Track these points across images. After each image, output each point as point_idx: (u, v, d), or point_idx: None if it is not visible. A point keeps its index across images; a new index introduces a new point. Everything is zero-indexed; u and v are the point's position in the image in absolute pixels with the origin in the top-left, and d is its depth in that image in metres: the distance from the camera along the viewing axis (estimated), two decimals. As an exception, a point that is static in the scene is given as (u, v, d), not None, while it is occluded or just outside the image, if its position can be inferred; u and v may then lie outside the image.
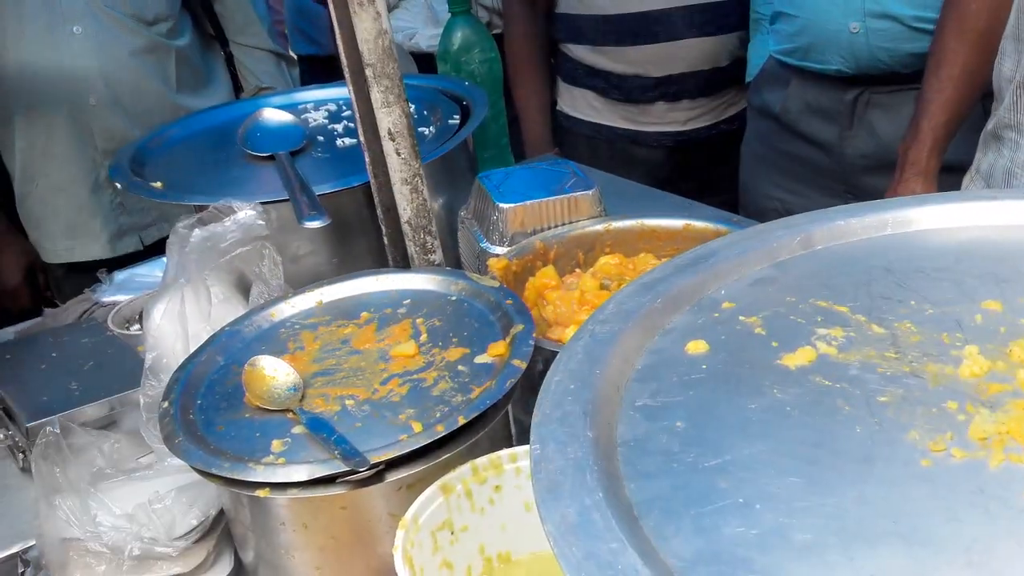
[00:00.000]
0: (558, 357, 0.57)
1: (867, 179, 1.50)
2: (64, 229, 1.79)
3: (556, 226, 1.07)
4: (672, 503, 0.45)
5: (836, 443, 0.47)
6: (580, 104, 2.02)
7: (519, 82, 1.99)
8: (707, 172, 1.92)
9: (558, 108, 2.07)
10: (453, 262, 1.16)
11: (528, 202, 1.05)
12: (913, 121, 1.28)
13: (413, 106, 1.32)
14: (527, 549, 0.77)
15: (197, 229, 0.98)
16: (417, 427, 0.75)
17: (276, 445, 0.77)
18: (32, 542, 0.94)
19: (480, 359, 0.83)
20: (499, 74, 1.50)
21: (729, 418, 0.50)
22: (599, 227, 1.07)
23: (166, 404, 0.84)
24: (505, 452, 0.75)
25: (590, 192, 1.07)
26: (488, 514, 0.75)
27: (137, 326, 1.23)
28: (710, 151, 1.92)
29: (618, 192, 1.61)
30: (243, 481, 0.73)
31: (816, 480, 0.45)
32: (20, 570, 0.94)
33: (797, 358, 0.54)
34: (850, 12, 1.38)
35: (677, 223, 1.07)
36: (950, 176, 1.20)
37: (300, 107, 1.43)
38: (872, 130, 1.49)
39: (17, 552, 0.96)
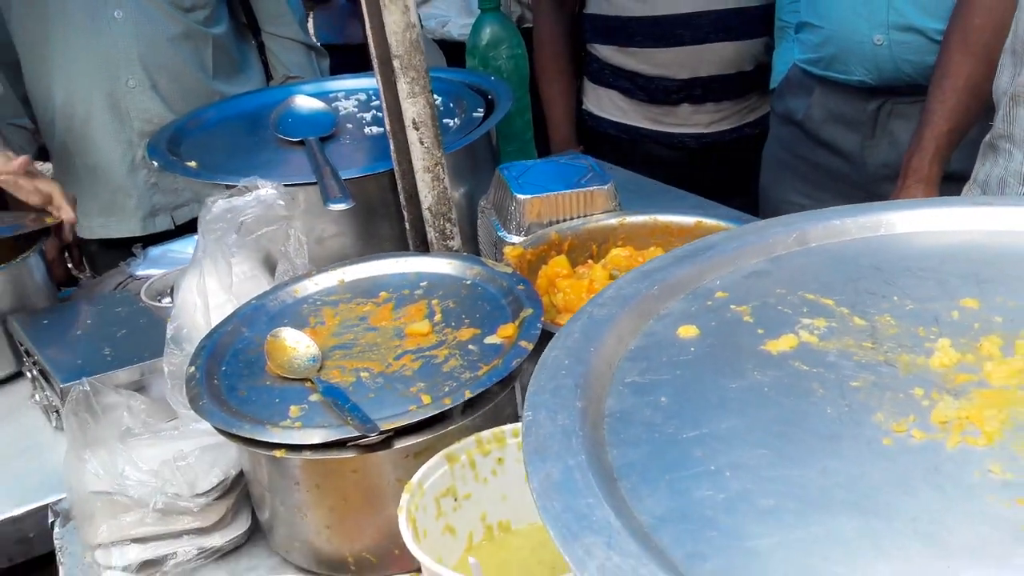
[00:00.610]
0: (557, 335, 0.61)
1: (887, 187, 1.52)
2: (100, 206, 1.85)
3: (572, 218, 1.11)
4: (649, 468, 0.49)
5: (806, 421, 0.50)
6: (605, 104, 2.05)
7: (546, 80, 2.03)
8: (728, 175, 1.94)
9: (583, 107, 2.10)
10: (471, 249, 1.21)
11: (545, 194, 1.09)
12: (917, 130, 1.30)
13: (439, 98, 1.37)
14: (526, 520, 0.81)
15: (220, 200, 1.03)
16: (426, 399, 0.79)
17: (294, 411, 0.81)
18: (62, 495, 1.00)
19: (490, 340, 0.87)
20: (526, 70, 1.54)
21: (710, 395, 0.54)
22: (613, 221, 1.11)
23: (192, 369, 0.89)
24: (509, 427, 0.79)
25: (606, 187, 1.11)
26: (490, 484, 0.80)
27: (168, 299, 1.29)
28: (732, 154, 1.94)
29: (638, 190, 1.64)
30: (262, 442, 0.78)
31: (784, 453, 0.48)
32: (50, 520, 1.00)
33: (780, 344, 0.58)
34: (874, 24, 1.41)
35: (689, 220, 1.10)
36: (955, 185, 1.22)
37: (331, 95, 1.48)
38: (894, 140, 1.51)
39: (48, 504, 1.02)
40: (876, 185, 1.55)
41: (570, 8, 1.99)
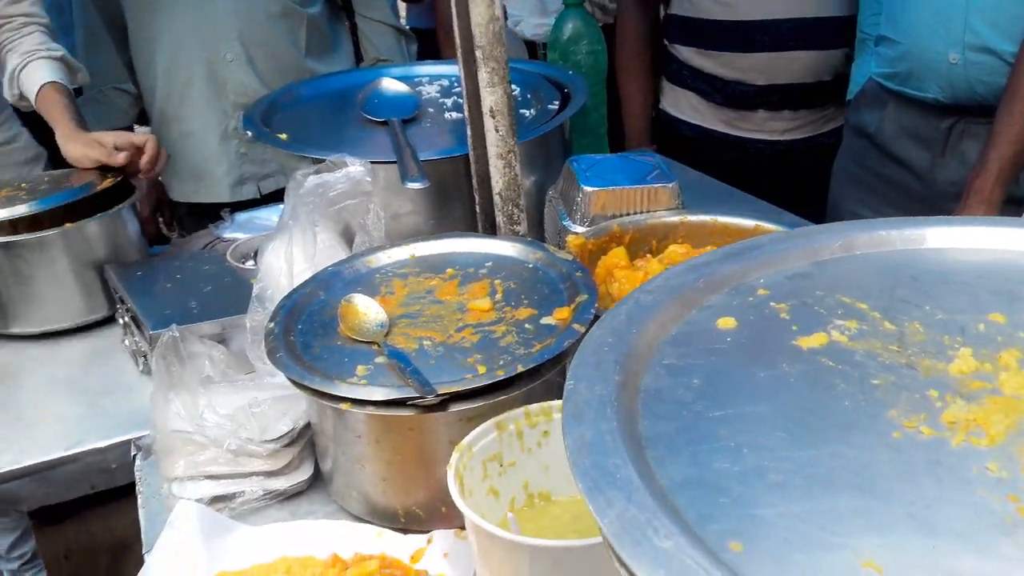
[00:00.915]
0: (604, 316, 0.66)
1: (954, 206, 1.53)
2: (192, 172, 1.95)
3: (635, 213, 1.16)
4: (675, 440, 0.54)
5: (825, 412, 0.55)
6: (682, 104, 2.08)
7: (625, 78, 2.06)
8: (798, 183, 1.96)
9: (660, 106, 2.13)
10: (536, 235, 1.26)
11: (611, 188, 1.14)
12: (983, 150, 1.31)
13: (517, 88, 1.43)
14: (566, 492, 0.87)
15: (312, 176, 1.11)
16: (482, 369, 0.85)
17: (360, 370, 0.88)
18: (144, 432, 1.10)
19: (545, 320, 0.93)
20: (604, 66, 1.58)
21: (740, 381, 0.58)
22: (675, 219, 1.15)
23: (272, 325, 0.97)
24: (556, 403, 0.85)
25: (670, 185, 1.15)
26: (535, 455, 0.85)
27: (251, 262, 1.38)
28: (804, 163, 1.95)
29: (705, 191, 1.68)
30: (330, 395, 0.85)
31: (799, 437, 0.53)
32: (132, 453, 1.09)
33: (811, 341, 0.62)
34: (950, 43, 1.41)
35: (749, 223, 1.13)
36: (1016, 208, 1.23)
37: (416, 80, 1.55)
38: (964, 159, 1.51)
39: (131, 439, 1.11)
40: (943, 203, 1.55)
41: (654, 7, 2.02)
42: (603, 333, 0.64)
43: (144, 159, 1.47)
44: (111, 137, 1.47)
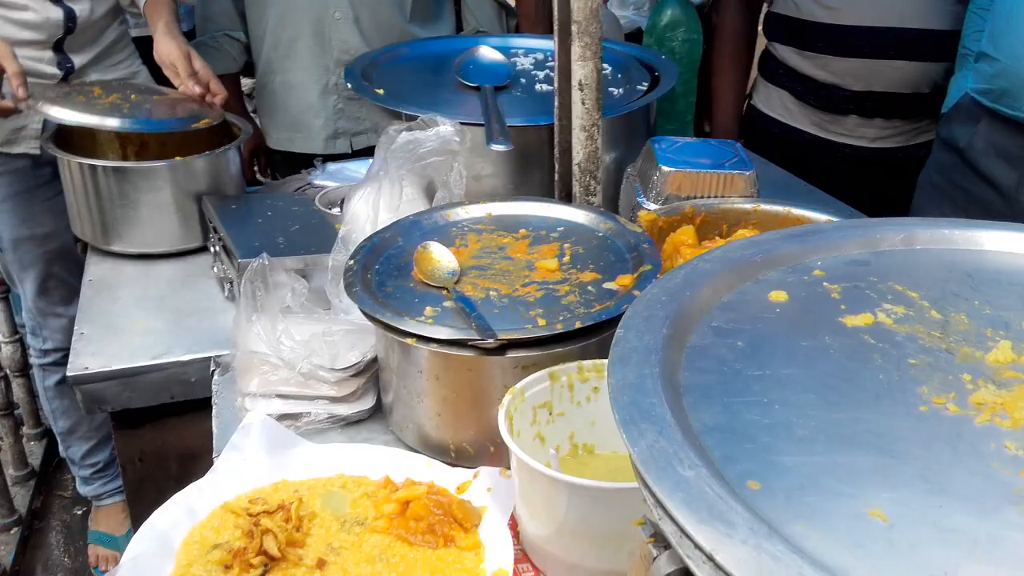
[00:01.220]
0: (661, 276, 0.70)
1: (1038, 228, 1.50)
2: (290, 122, 2.04)
3: (710, 197, 1.19)
4: (711, 391, 0.57)
5: (858, 381, 0.58)
6: (774, 103, 2.08)
7: (719, 71, 2.07)
8: (883, 192, 1.94)
9: (751, 102, 2.14)
10: (610, 210, 1.30)
11: (688, 169, 1.17)
12: None
13: (608, 67, 1.46)
14: (609, 447, 0.91)
15: (404, 132, 1.17)
16: (541, 322, 0.90)
17: (429, 311, 0.94)
18: (224, 351, 1.18)
19: (608, 285, 0.97)
20: (698, 55, 1.60)
21: (782, 347, 0.62)
22: (748, 206, 1.17)
23: (351, 263, 1.03)
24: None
25: (747, 173, 1.18)
26: (583, 408, 0.90)
27: (337, 209, 1.45)
28: (891, 172, 1.94)
29: (786, 187, 1.68)
30: (398, 329, 0.91)
31: (829, 400, 0.56)
32: (211, 369, 1.18)
33: (857, 320, 0.65)
34: (1048, 63, 1.39)
35: (821, 217, 1.15)
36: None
37: (512, 51, 1.59)
38: (1054, 182, 1.49)
39: (211, 356, 1.20)
40: (1028, 224, 1.53)
41: (758, 7, 2.02)
42: (658, 292, 0.68)
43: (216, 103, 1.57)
44: (201, 65, 1.57)
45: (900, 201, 1.86)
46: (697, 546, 0.45)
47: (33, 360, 2.07)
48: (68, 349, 1.26)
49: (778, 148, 2.05)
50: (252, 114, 2.25)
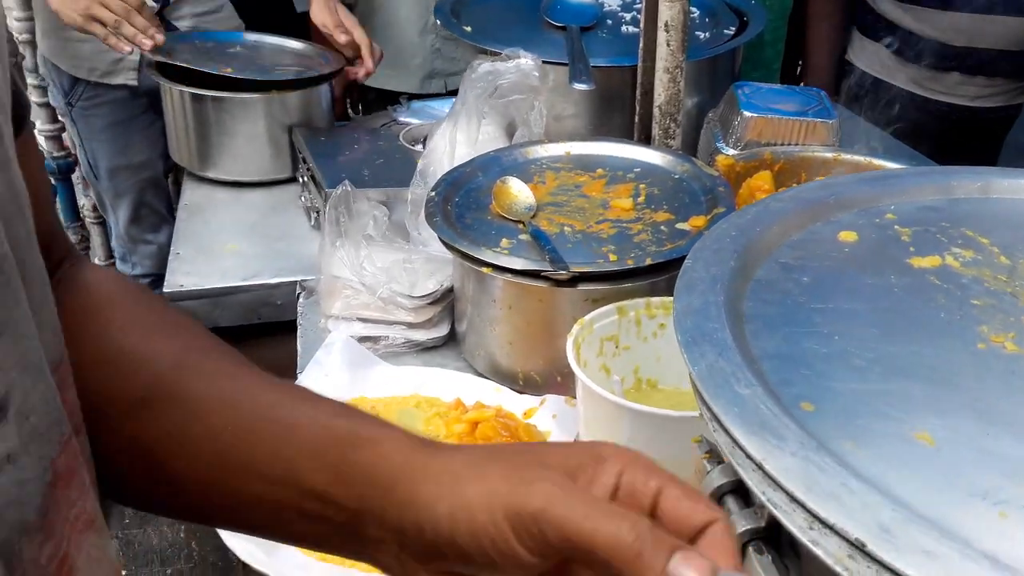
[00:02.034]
0: (733, 214, 0.71)
1: None
2: (388, 60, 2.07)
3: (790, 144, 1.18)
4: (773, 321, 0.59)
5: (919, 318, 0.59)
6: (870, 58, 2.03)
7: (815, 23, 2.02)
8: (976, 151, 1.89)
9: (846, 56, 2.08)
10: (688, 154, 1.30)
11: (769, 116, 1.17)
12: None
13: (696, 10, 1.45)
14: (672, 383, 0.94)
15: (484, 63, 1.19)
16: (613, 258, 0.93)
17: (505, 243, 0.98)
18: (310, 276, 1.24)
19: (681, 225, 0.98)
20: (789, 3, 1.57)
21: (846, 284, 0.63)
22: (828, 155, 1.17)
23: (433, 194, 1.07)
24: (677, 299, 0.91)
25: (830, 121, 1.17)
26: (649, 343, 0.92)
27: (420, 146, 1.49)
28: (983, 130, 1.88)
29: (870, 142, 1.65)
30: (475, 258, 0.95)
31: (889, 335, 0.57)
32: (297, 292, 1.24)
33: (924, 262, 0.65)
34: None
35: (901, 167, 1.14)
36: None
37: (601, -8, 1.59)
38: None
39: (297, 280, 1.26)
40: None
41: (857, -44, 1.96)
42: (728, 227, 0.69)
43: (365, 63, 1.63)
44: (351, 23, 1.63)
45: (987, 160, 1.80)
46: (748, 456, 0.47)
47: None
48: (157, 274, 1.33)
49: (873, 105, 2.01)
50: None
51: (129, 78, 1.80)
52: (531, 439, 0.89)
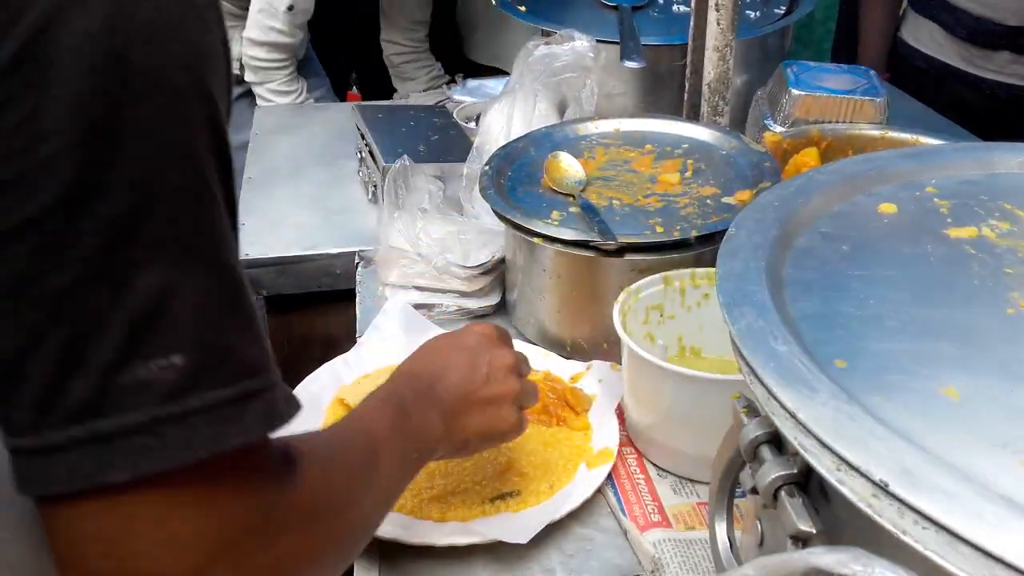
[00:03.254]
0: (776, 185, 0.74)
1: None
2: (484, 36, 2.10)
3: (838, 122, 1.20)
4: (811, 285, 0.63)
5: (952, 284, 0.62)
6: (923, 35, 2.02)
7: (868, 1, 2.02)
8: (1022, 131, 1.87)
9: (899, 34, 2.07)
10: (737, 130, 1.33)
11: (817, 94, 1.18)
12: None
13: (747, -10, 1.47)
14: (715, 351, 0.97)
15: (541, 47, 1.23)
16: (659, 229, 0.96)
17: (555, 215, 1.01)
18: (368, 247, 1.29)
19: (726, 199, 1.01)
20: (840, -18, 1.57)
21: (884, 252, 0.66)
22: (876, 133, 1.18)
23: (486, 168, 1.12)
24: (721, 270, 0.94)
25: (878, 100, 1.18)
26: (693, 313, 0.96)
27: (474, 124, 1.53)
28: (1037, 112, 1.86)
29: (925, 123, 1.65)
30: (526, 229, 0.99)
31: (922, 298, 0.60)
32: (356, 262, 1.29)
33: (961, 232, 0.68)
34: None
35: (942, 143, 1.15)
36: None
37: (652, -28, 1.61)
38: None
39: (356, 250, 1.31)
40: None
41: (909, -68, 1.95)
42: (771, 198, 0.72)
43: None
44: None
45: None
46: (782, 406, 0.51)
47: None
48: None
49: (924, 83, 2.00)
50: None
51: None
52: (577, 401, 0.93)
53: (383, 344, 1.05)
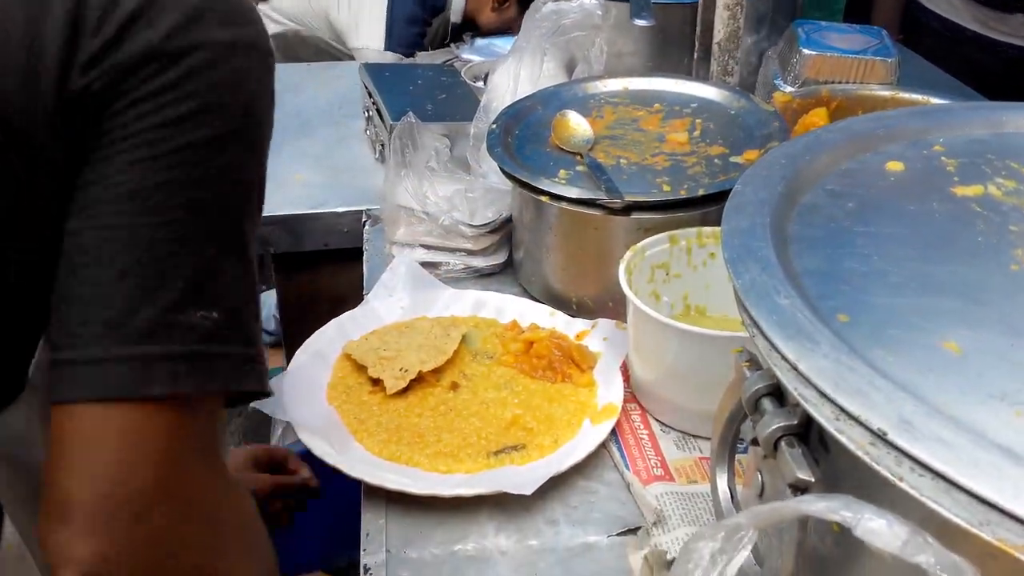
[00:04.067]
0: (785, 143, 0.74)
1: None
2: None
3: (848, 82, 1.19)
4: (816, 242, 0.63)
5: (956, 240, 0.62)
6: (938, -3, 2.00)
7: None
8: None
9: (913, -5, 2.05)
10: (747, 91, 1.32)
11: (828, 54, 1.18)
12: None
13: (758, -52, 1.44)
14: (720, 310, 0.98)
15: (549, 3, 1.22)
16: (666, 188, 0.96)
17: (562, 173, 1.02)
18: (374, 206, 1.29)
19: (734, 159, 1.01)
20: (855, -59, 1.55)
21: (889, 209, 0.66)
22: (886, 93, 1.18)
23: (494, 126, 1.12)
24: (728, 229, 0.94)
25: (889, 60, 1.17)
26: (699, 272, 0.96)
27: (482, 83, 1.52)
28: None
29: (935, 83, 1.64)
30: (533, 187, 0.99)
31: (926, 255, 0.60)
32: (363, 220, 1.30)
33: (967, 190, 0.68)
34: None
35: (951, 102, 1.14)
36: None
37: (663, -70, 1.59)
38: None
39: (363, 209, 1.32)
40: None
41: None
42: (778, 156, 0.72)
43: None
44: None
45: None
46: (784, 358, 0.52)
47: None
48: None
49: (937, 45, 1.98)
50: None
51: None
52: (583, 359, 0.94)
53: (390, 301, 1.06)
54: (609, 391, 0.91)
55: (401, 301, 1.06)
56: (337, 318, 1.03)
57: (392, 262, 1.11)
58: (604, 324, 0.99)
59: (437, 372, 0.94)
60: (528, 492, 0.78)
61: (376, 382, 0.93)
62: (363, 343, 0.99)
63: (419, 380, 0.93)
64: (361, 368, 0.95)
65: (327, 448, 0.83)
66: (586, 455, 0.83)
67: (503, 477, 0.81)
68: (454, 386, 0.93)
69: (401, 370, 0.91)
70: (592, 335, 0.98)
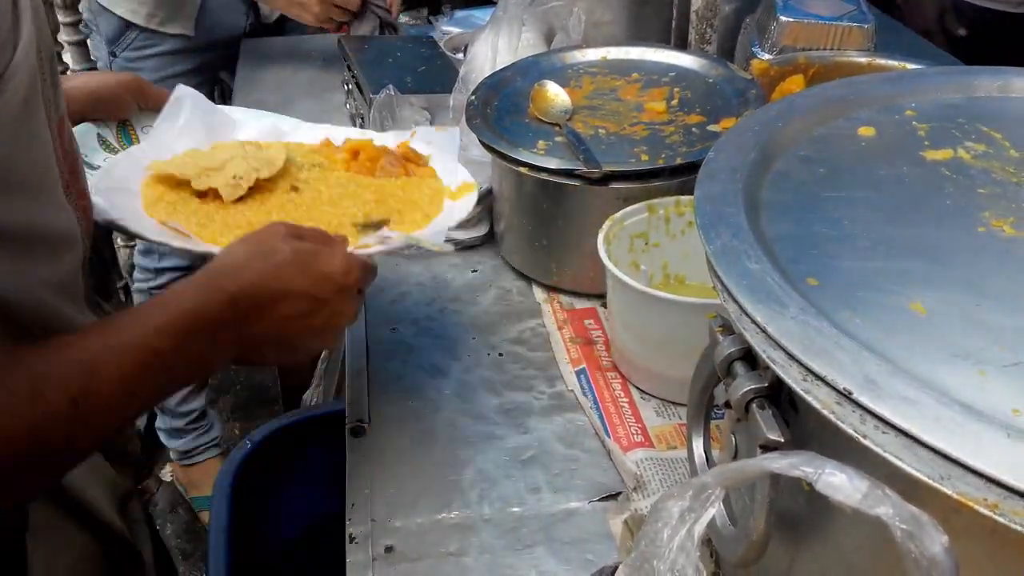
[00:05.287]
0: (758, 110, 0.75)
1: None
2: None
3: (825, 49, 1.19)
4: (787, 208, 0.64)
5: (924, 204, 0.63)
6: (916, -38, 1.99)
7: None
8: (1018, 60, 1.86)
9: (901, -37, 2.05)
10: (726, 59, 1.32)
11: (805, 20, 1.18)
12: None
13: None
14: (699, 279, 0.98)
15: (525, -29, 1.21)
16: (644, 158, 0.97)
17: (541, 144, 1.02)
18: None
19: (712, 127, 1.02)
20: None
21: (860, 174, 0.67)
22: (863, 60, 1.18)
23: (472, 98, 1.11)
24: (705, 198, 0.95)
25: (866, 26, 1.18)
26: (678, 241, 0.97)
27: (461, 54, 1.52)
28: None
29: (918, 51, 1.64)
30: (512, 159, 0.99)
31: (894, 219, 0.61)
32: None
33: (936, 154, 0.69)
34: None
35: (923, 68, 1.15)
36: None
37: (641, -102, 1.58)
38: None
39: (344, 184, 1.31)
40: None
41: None
42: (751, 123, 0.73)
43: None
44: None
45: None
46: (754, 321, 0.53)
47: (139, 285, 1.92)
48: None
49: (915, 9, 1.98)
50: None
51: (186, 27, 1.73)
52: (415, 156, 0.95)
53: (180, 129, 0.95)
54: (458, 176, 0.92)
55: (194, 132, 0.95)
56: (126, 151, 0.93)
57: (174, 92, 0.98)
58: (423, 131, 1.01)
59: (270, 181, 0.87)
60: (440, 242, 0.80)
61: (202, 196, 0.84)
62: (172, 164, 0.87)
63: (254, 188, 0.85)
64: (179, 186, 0.85)
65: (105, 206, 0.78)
66: (467, 215, 0.87)
67: (387, 238, 0.79)
68: (294, 188, 0.87)
69: (235, 177, 0.84)
70: (413, 142, 0.98)
